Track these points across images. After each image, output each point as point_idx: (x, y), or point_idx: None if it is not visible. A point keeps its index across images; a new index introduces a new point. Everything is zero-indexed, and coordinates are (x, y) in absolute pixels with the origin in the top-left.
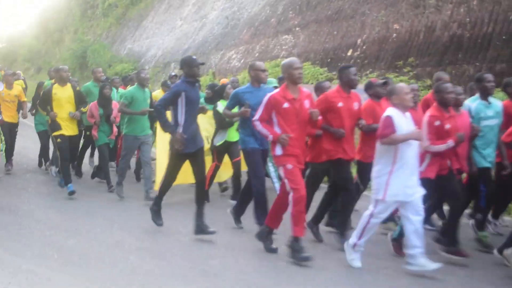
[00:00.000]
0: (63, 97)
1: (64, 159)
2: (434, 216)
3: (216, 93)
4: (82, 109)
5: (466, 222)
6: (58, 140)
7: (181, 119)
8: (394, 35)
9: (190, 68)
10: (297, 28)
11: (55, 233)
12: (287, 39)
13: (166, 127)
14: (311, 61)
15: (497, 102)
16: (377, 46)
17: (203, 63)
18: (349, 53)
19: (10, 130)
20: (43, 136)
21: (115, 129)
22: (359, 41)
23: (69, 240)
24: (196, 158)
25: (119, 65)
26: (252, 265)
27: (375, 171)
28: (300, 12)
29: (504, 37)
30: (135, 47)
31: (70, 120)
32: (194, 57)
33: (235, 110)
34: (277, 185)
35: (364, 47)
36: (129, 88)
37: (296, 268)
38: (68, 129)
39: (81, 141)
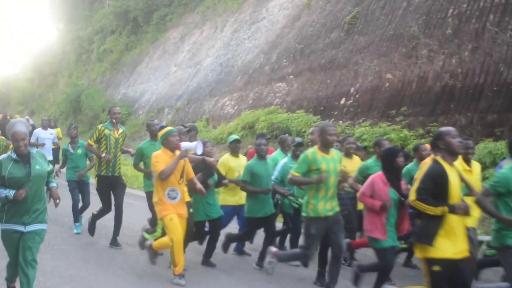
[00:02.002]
0: None
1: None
2: None
3: None
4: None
5: None
6: None
7: None
8: (387, 84)
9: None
10: (291, 76)
11: (49, 279)
12: (280, 86)
13: None
14: (304, 109)
15: None
16: (370, 95)
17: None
18: (342, 102)
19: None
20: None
21: None
22: (352, 89)
23: (63, 286)
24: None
25: None
26: None
27: None
28: (294, 61)
29: (495, 88)
30: (129, 92)
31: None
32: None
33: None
34: None
35: (357, 95)
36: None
37: None
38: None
39: None
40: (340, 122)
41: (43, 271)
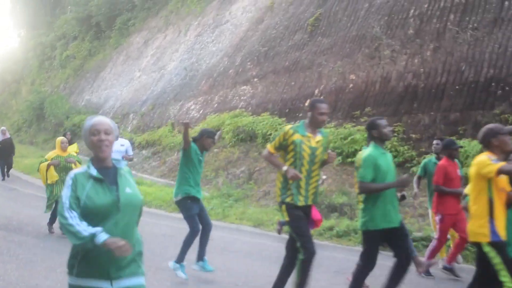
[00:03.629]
0: None
1: None
2: None
3: None
4: None
5: None
6: None
7: None
8: (351, 85)
9: None
10: (255, 79)
11: None
12: (245, 89)
13: None
14: (269, 111)
15: None
16: (334, 96)
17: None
18: (306, 103)
19: None
20: None
21: None
22: (316, 91)
23: None
24: None
25: (77, 117)
26: None
27: None
28: (258, 63)
29: (457, 87)
30: (93, 98)
31: None
32: None
33: None
34: None
35: (321, 97)
36: None
37: None
38: None
39: None
40: None
41: (7, 281)
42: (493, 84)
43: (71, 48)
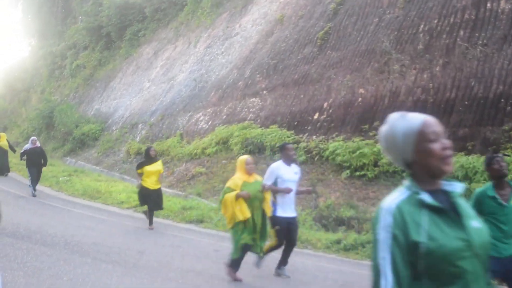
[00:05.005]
0: None
1: None
2: None
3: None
4: None
5: None
6: None
7: None
8: (360, 99)
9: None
10: (264, 92)
11: None
12: (254, 102)
13: None
14: (278, 124)
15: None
16: (343, 110)
17: None
18: (315, 117)
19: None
20: None
21: None
22: (325, 104)
23: None
24: None
25: (86, 126)
26: None
27: None
28: (267, 76)
29: (466, 102)
30: (103, 107)
31: None
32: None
33: None
34: None
35: (330, 110)
36: None
37: None
38: None
39: None
40: (314, 137)
41: None
42: (502, 100)
43: (81, 58)
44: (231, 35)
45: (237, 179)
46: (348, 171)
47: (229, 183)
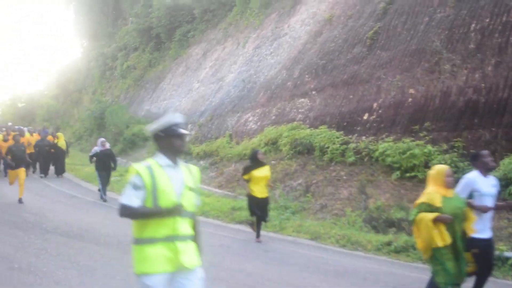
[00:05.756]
0: None
1: None
2: None
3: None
4: None
5: None
6: None
7: None
8: (410, 99)
9: None
10: (313, 92)
11: None
12: (303, 102)
13: None
14: (327, 125)
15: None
16: (393, 110)
17: None
18: (365, 117)
19: None
20: None
21: None
22: (375, 105)
23: None
24: None
25: (137, 126)
26: None
27: None
28: (316, 76)
29: None
30: (153, 108)
31: None
32: None
33: None
34: None
35: (380, 111)
36: None
37: None
38: None
39: None
40: (363, 137)
41: (68, 286)
42: None
43: (131, 59)
44: (280, 35)
45: (434, 193)
46: (398, 172)
47: (424, 198)
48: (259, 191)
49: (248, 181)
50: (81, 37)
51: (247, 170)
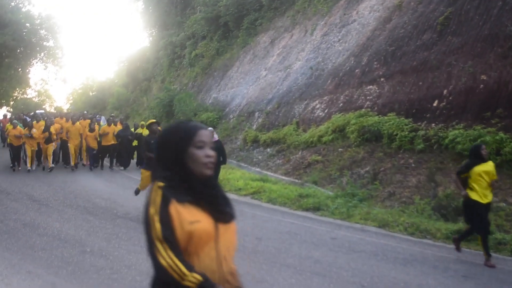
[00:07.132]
0: None
1: None
2: None
3: None
4: None
5: None
6: None
7: None
8: (482, 85)
9: None
10: (382, 79)
11: (146, 278)
12: (371, 89)
13: None
14: (395, 112)
15: None
16: (464, 97)
17: None
18: (434, 104)
19: None
20: None
21: None
22: (445, 91)
23: None
24: None
25: (204, 114)
26: None
27: None
28: (385, 63)
29: None
30: (220, 96)
31: None
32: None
33: None
34: None
35: (450, 98)
36: None
37: None
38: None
39: None
40: (433, 124)
41: (139, 270)
42: None
43: (199, 48)
44: (348, 22)
45: None
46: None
47: None
48: (482, 194)
49: (464, 180)
50: (150, 26)
51: (465, 168)
